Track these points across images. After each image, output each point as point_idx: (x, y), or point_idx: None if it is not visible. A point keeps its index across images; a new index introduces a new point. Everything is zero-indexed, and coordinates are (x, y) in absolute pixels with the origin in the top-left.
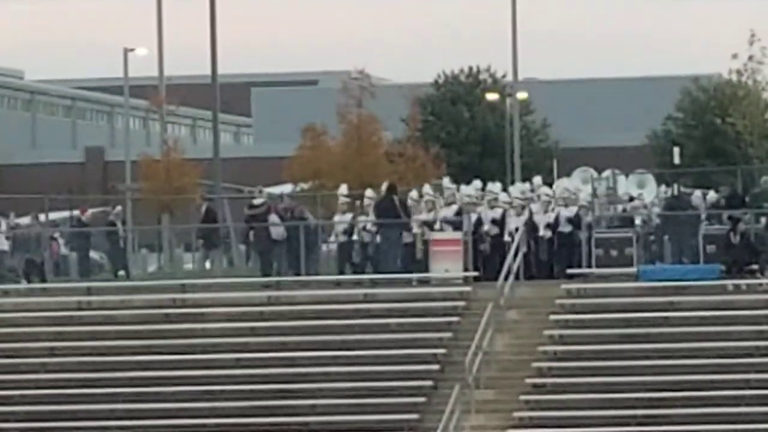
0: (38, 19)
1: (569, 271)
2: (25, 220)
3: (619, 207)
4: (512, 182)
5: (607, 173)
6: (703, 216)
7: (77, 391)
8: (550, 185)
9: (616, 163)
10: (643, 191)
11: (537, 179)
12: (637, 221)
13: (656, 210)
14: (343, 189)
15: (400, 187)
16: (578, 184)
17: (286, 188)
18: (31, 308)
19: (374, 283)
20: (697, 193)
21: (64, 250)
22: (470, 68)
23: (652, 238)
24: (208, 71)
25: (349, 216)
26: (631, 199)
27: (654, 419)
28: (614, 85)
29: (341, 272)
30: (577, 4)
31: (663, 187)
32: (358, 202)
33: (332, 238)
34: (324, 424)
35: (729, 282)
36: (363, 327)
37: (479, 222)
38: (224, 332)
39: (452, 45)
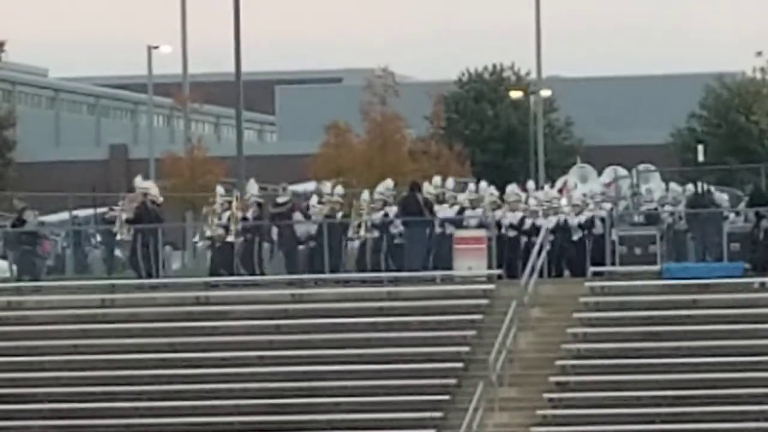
0: (62, 17)
1: (593, 269)
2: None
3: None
4: (536, 181)
5: (608, 170)
6: (731, 216)
7: (101, 388)
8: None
9: (640, 161)
10: (649, 186)
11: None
12: (637, 219)
13: (668, 207)
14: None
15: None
16: (576, 181)
17: (310, 186)
18: (55, 306)
19: (398, 281)
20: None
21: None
22: (494, 66)
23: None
24: (231, 69)
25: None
26: (633, 195)
27: (678, 417)
28: (638, 83)
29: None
30: (601, 2)
31: (671, 184)
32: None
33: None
34: (348, 422)
35: (753, 280)
36: (386, 325)
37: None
38: (248, 330)
39: (476, 43)
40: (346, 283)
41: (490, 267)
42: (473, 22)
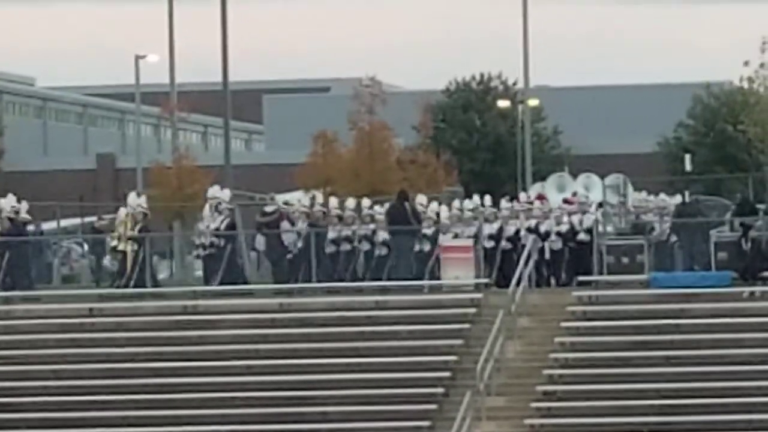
0: (49, 26)
1: (580, 278)
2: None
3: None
4: (524, 189)
5: (581, 178)
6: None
7: (88, 398)
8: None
9: (628, 170)
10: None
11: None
12: (609, 228)
13: (644, 218)
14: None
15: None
16: (553, 191)
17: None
18: (42, 315)
19: (386, 291)
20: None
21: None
22: (482, 75)
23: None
24: (219, 78)
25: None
26: (600, 204)
27: (666, 426)
28: (625, 92)
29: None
30: (588, 12)
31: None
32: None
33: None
34: (335, 431)
35: (741, 289)
36: (374, 334)
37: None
38: (235, 339)
39: (464, 52)
40: (334, 292)
41: (477, 276)
42: (460, 32)
